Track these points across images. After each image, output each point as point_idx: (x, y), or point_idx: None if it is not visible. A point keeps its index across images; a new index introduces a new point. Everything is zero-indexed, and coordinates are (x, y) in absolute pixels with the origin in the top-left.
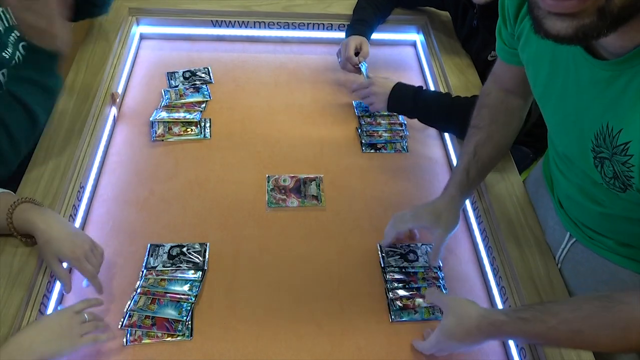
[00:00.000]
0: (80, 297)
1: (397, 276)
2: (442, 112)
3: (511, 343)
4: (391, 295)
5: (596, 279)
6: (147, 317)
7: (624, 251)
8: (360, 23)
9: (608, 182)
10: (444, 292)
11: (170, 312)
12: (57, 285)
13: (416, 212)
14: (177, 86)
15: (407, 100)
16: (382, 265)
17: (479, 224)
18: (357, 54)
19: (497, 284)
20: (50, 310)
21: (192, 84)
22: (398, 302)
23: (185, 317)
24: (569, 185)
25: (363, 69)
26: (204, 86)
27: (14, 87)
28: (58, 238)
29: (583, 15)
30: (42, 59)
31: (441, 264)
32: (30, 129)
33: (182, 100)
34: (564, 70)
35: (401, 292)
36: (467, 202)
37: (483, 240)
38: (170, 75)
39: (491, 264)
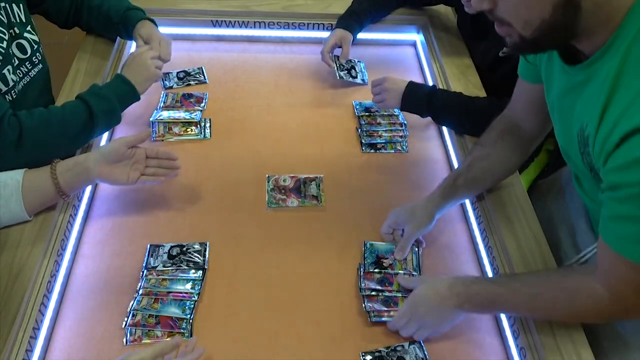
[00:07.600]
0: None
1: (372, 285)
2: (457, 114)
3: (511, 343)
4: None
5: None
6: (150, 315)
7: None
8: (351, 16)
9: (594, 176)
10: None
11: (174, 311)
12: (57, 287)
13: (397, 210)
14: (171, 87)
15: (421, 102)
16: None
17: (478, 223)
18: (339, 47)
19: None
20: (50, 310)
21: (187, 84)
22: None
23: (189, 315)
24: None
25: (361, 69)
26: (200, 99)
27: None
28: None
29: (513, 37)
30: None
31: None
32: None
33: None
34: (554, 83)
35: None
36: (467, 202)
37: (483, 240)
38: (165, 75)
39: (491, 264)
